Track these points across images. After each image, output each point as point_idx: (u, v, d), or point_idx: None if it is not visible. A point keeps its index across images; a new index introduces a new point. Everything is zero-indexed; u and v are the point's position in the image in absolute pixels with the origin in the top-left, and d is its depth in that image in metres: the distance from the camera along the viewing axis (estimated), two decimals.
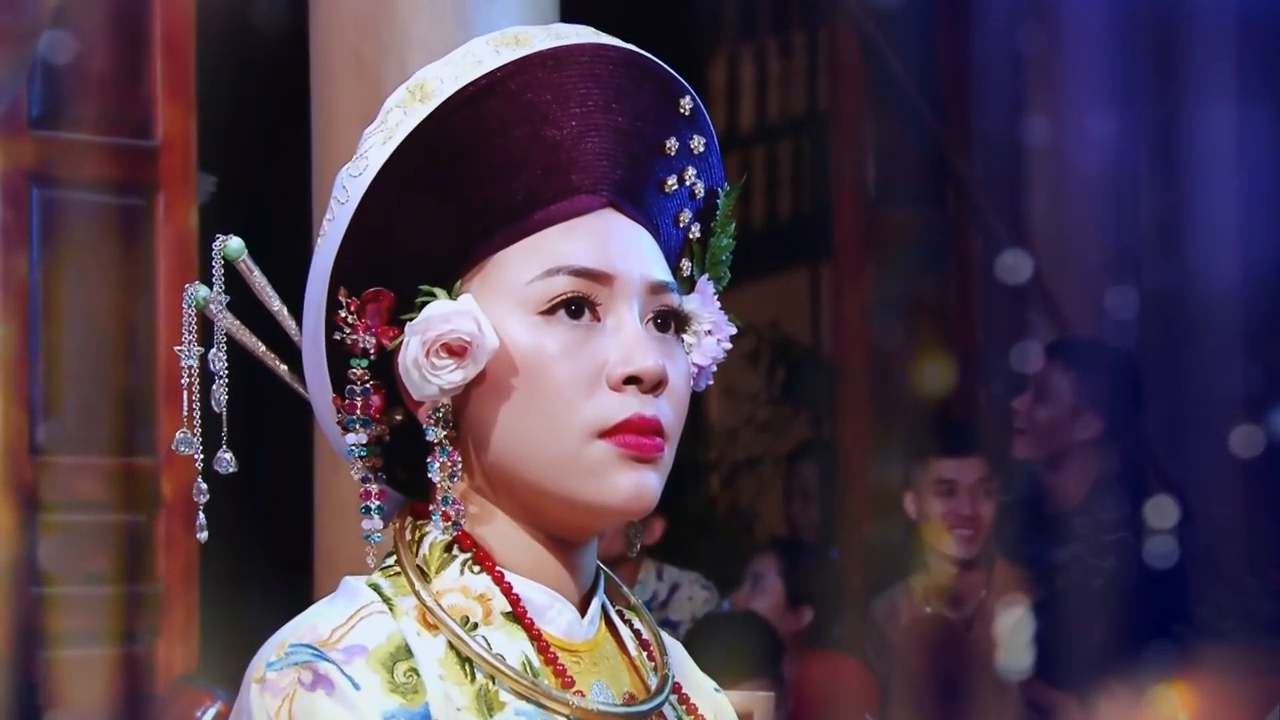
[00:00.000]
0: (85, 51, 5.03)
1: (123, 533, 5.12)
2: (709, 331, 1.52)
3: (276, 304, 1.53)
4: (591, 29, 1.48)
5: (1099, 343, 5.27)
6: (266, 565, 5.22)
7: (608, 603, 1.53)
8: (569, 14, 4.26)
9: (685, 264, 1.54)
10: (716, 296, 1.54)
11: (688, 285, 1.53)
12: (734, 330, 1.53)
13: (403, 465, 1.49)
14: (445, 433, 1.43)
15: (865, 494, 5.83)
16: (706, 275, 1.54)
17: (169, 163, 5.16)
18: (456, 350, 1.42)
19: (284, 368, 1.54)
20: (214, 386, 1.48)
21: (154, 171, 5.15)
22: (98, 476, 5.10)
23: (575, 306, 1.44)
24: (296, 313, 1.52)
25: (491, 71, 1.43)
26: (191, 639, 5.10)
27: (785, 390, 7.12)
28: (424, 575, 1.45)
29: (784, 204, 7.48)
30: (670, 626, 4.70)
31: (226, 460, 1.49)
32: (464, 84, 1.43)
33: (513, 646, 1.44)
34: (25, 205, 4.99)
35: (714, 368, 1.53)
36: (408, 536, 1.47)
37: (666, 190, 1.51)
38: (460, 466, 1.44)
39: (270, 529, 5.31)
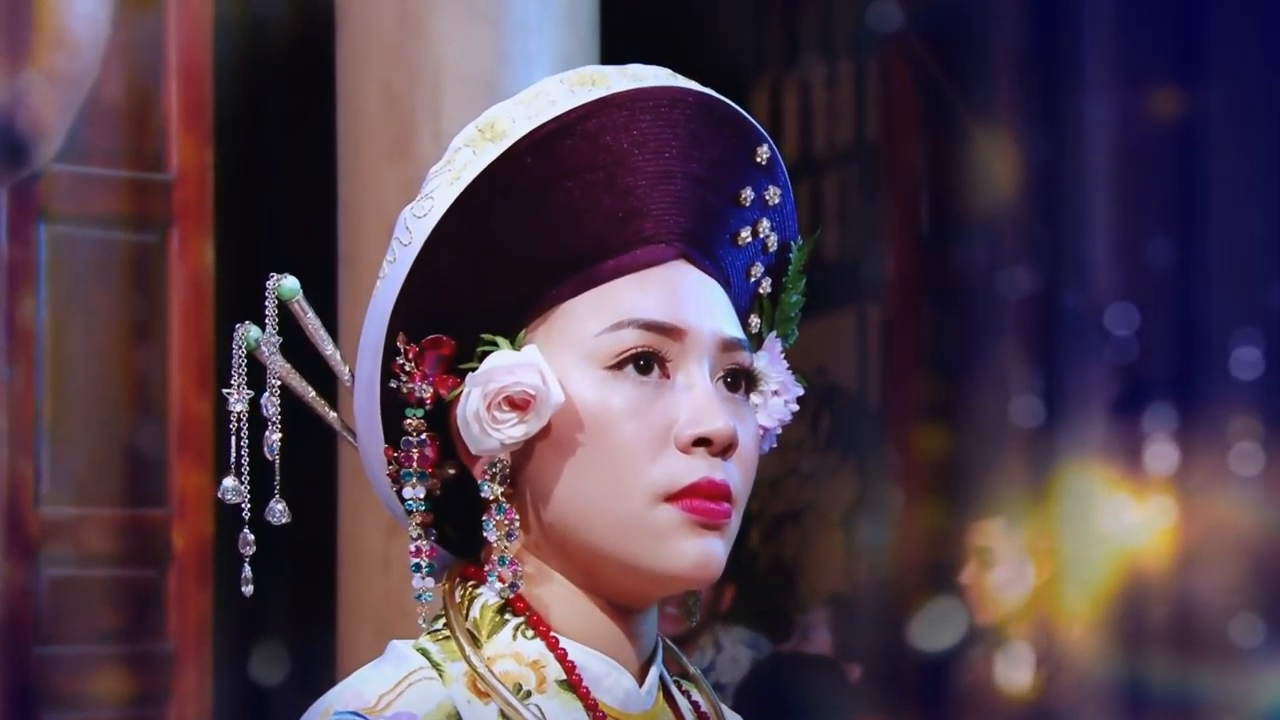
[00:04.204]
0: (96, 79, 5.05)
1: (131, 588, 5.13)
2: (776, 392, 1.52)
3: (330, 348, 1.54)
4: (668, 70, 1.49)
5: None
6: (285, 624, 5.23)
7: (665, 672, 1.54)
8: (610, 43, 4.29)
9: (754, 320, 1.55)
10: (783, 354, 1.55)
11: (755, 342, 1.54)
12: (800, 391, 1.54)
13: (452, 521, 1.50)
14: (502, 489, 1.44)
15: (919, 551, 5.82)
16: (775, 332, 1.55)
17: (184, 197, 5.18)
18: (519, 403, 1.43)
19: (334, 414, 1.55)
20: (266, 432, 1.48)
21: (168, 207, 5.17)
22: (105, 529, 5.12)
23: (644, 362, 1.45)
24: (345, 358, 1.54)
25: (567, 112, 1.44)
26: (204, 702, 5.11)
27: (831, 439, 7.11)
28: (475, 640, 1.46)
29: (829, 241, 7.47)
30: (719, 690, 4.70)
31: (279, 511, 1.50)
32: (538, 124, 1.44)
33: (567, 716, 1.45)
34: (32, 242, 5.01)
35: (779, 429, 1.54)
36: (457, 598, 1.48)
37: (740, 243, 1.52)
38: (517, 525, 1.45)
39: (290, 585, 5.31)
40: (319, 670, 4.42)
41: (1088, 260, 5.88)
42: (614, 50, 4.00)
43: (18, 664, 4.97)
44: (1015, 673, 4.59)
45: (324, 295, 4.28)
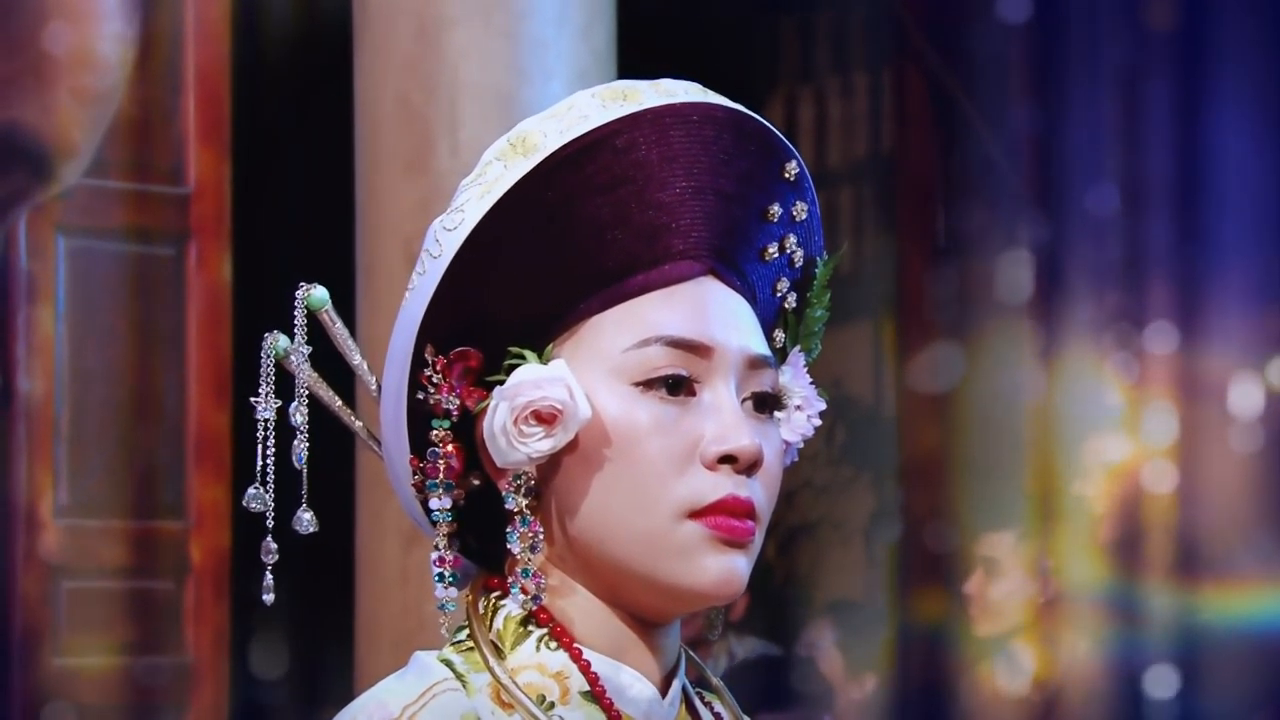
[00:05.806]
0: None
1: (149, 601, 5.14)
2: (799, 407, 1.53)
3: (357, 358, 1.54)
4: (699, 85, 1.49)
5: None
6: (302, 636, 5.23)
7: (688, 684, 1.54)
8: (627, 57, 4.30)
9: (778, 334, 1.55)
10: (806, 368, 1.55)
11: (779, 356, 1.54)
12: (823, 405, 1.54)
13: (474, 532, 1.51)
14: (527, 502, 1.45)
15: (932, 563, 5.82)
16: (798, 347, 1.56)
17: (201, 211, 5.19)
18: (546, 418, 1.43)
19: (360, 424, 1.56)
20: (295, 442, 1.49)
21: (186, 220, 5.18)
22: (123, 541, 5.13)
23: (674, 383, 1.45)
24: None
25: (599, 127, 1.45)
26: (221, 715, 5.11)
27: (845, 452, 7.11)
28: (498, 651, 1.46)
29: (845, 253, 7.46)
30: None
31: (307, 520, 1.50)
32: (570, 139, 1.44)
33: None
34: (51, 256, 5.03)
35: (800, 444, 1.54)
36: (481, 609, 1.49)
37: (767, 258, 1.53)
38: (541, 537, 1.46)
39: (307, 596, 5.33)
40: (336, 682, 4.42)
41: (1095, 265, 5.88)
42: (631, 64, 4.01)
43: (35, 675, 4.98)
44: (1020, 682, 4.60)
45: (342, 308, 4.28)
